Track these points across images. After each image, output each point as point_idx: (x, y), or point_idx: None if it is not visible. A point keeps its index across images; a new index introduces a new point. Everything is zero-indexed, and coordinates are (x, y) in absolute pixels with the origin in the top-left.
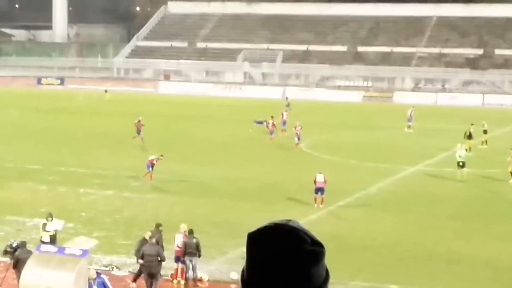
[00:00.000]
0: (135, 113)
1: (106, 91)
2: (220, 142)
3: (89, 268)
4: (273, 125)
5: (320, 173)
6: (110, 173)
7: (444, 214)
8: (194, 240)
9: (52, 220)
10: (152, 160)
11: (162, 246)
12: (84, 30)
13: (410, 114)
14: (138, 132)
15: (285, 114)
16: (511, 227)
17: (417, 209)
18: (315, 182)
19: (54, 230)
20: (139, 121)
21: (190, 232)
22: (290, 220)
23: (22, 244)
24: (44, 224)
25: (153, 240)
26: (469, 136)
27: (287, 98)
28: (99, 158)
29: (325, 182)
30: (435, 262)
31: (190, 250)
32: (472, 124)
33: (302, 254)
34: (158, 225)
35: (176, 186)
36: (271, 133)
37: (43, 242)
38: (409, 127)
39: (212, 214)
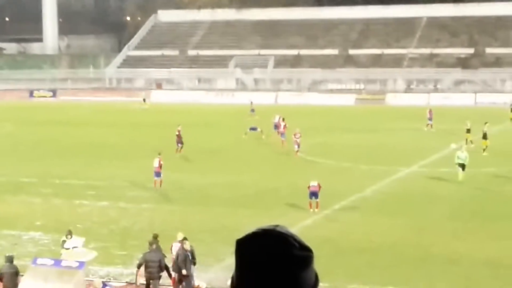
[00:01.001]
0: (128, 123)
1: (144, 100)
2: (214, 149)
3: (93, 280)
4: (285, 127)
5: (314, 181)
6: (105, 183)
7: (441, 214)
8: (189, 248)
9: (71, 237)
10: (158, 166)
11: (164, 267)
12: (75, 41)
13: (429, 113)
14: (179, 142)
15: (277, 117)
16: (509, 225)
17: (413, 210)
18: (309, 187)
19: (73, 248)
20: (179, 131)
21: (155, 237)
22: (278, 225)
23: (8, 259)
24: (63, 242)
25: (154, 246)
26: (484, 136)
27: (251, 103)
28: (93, 169)
29: (319, 187)
30: (433, 263)
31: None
32: (486, 123)
33: (291, 259)
34: (155, 236)
35: (172, 195)
36: (282, 135)
37: None
38: (429, 125)
39: (208, 221)
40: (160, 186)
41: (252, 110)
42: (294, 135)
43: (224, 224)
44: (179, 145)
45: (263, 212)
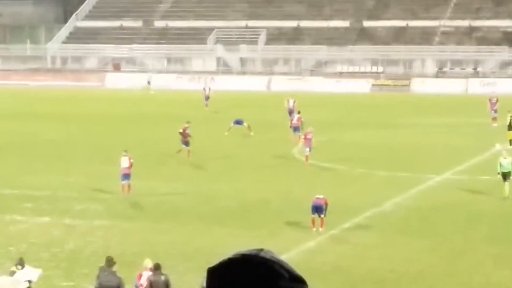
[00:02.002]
0: (77, 115)
1: (149, 83)
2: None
3: None
4: (299, 119)
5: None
6: (45, 193)
7: (481, 235)
8: (163, 278)
9: (22, 268)
10: (128, 166)
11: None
12: (7, 9)
13: (494, 103)
14: (185, 143)
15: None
16: None
17: (446, 230)
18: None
19: (28, 282)
20: (184, 129)
21: (157, 267)
22: (261, 250)
23: None
24: (12, 273)
25: (114, 269)
26: (510, 126)
27: (208, 90)
28: (30, 174)
29: (326, 203)
30: None
31: None
32: (509, 111)
33: None
34: (109, 259)
35: (132, 209)
36: (295, 129)
37: None
38: (494, 119)
39: (179, 243)
40: (129, 191)
41: (207, 99)
42: (305, 134)
43: (199, 247)
44: (185, 147)
45: (249, 231)
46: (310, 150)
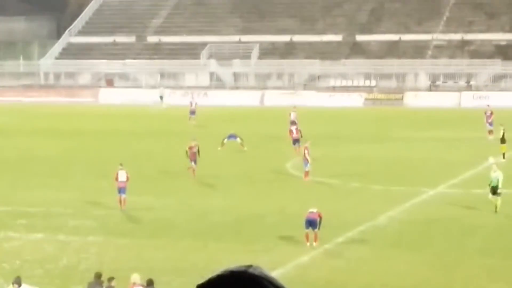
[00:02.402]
0: (70, 131)
1: (161, 97)
2: (181, 165)
3: None
4: (298, 131)
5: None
6: (39, 210)
7: (475, 248)
8: None
9: (19, 287)
10: (125, 180)
11: None
12: (0, 25)
13: (489, 116)
14: (193, 160)
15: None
16: None
17: (440, 243)
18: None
19: None
20: (191, 147)
21: (150, 283)
22: (250, 266)
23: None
24: None
25: (112, 284)
26: (503, 139)
27: (194, 104)
28: (23, 191)
29: (319, 217)
30: None
31: None
32: (501, 125)
33: None
34: (98, 275)
35: (126, 224)
36: (295, 142)
37: None
38: (490, 132)
39: (173, 259)
40: (123, 206)
41: (192, 113)
42: (305, 148)
43: (193, 262)
44: (193, 164)
45: (244, 246)
46: (308, 165)
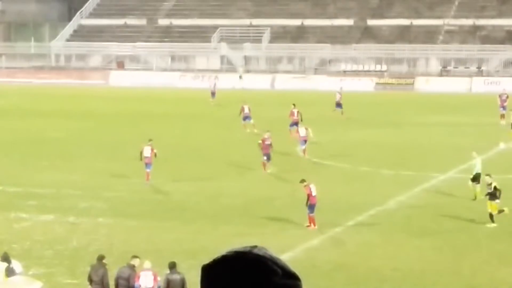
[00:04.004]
0: (81, 113)
1: (240, 77)
2: (193, 148)
3: None
4: (293, 113)
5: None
6: (49, 191)
7: (485, 233)
8: (179, 276)
9: (10, 264)
10: (150, 155)
11: (107, 284)
12: (11, 7)
13: (504, 100)
14: (266, 154)
15: (246, 107)
16: None
17: (449, 228)
18: (309, 196)
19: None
20: (264, 140)
21: (172, 266)
22: (255, 247)
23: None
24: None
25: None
26: None
27: (214, 86)
28: (33, 172)
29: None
30: None
31: None
32: (511, 110)
33: None
34: (100, 258)
35: (136, 207)
36: (293, 124)
37: None
38: (502, 116)
39: (183, 241)
40: (147, 180)
41: (213, 94)
42: (263, 140)
43: (204, 245)
44: (265, 159)
45: (254, 229)
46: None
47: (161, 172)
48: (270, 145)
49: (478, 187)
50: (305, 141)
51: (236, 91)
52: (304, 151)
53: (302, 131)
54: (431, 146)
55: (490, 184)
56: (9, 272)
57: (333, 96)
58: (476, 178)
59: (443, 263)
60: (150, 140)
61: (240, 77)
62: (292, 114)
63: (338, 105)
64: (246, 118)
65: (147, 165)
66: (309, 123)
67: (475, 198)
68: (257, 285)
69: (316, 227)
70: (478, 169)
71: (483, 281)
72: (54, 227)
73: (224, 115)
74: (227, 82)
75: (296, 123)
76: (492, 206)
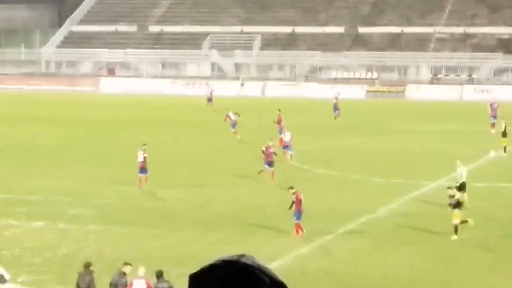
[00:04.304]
0: (71, 119)
1: (242, 85)
2: (183, 155)
3: None
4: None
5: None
6: (39, 198)
7: (475, 242)
8: (167, 285)
9: None
10: (142, 160)
11: None
12: (1, 12)
13: (495, 108)
14: (268, 162)
15: (232, 115)
16: None
17: (439, 236)
18: (296, 201)
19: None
20: (267, 148)
21: (159, 275)
22: (243, 255)
23: None
24: None
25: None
26: (504, 133)
27: (210, 92)
28: (23, 179)
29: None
30: None
31: None
32: (503, 118)
33: None
34: (87, 265)
35: (126, 214)
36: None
37: None
38: (493, 125)
39: (174, 248)
40: (146, 183)
41: (210, 100)
42: (267, 148)
43: (193, 252)
44: (267, 167)
45: (244, 236)
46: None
47: (152, 179)
48: (274, 153)
49: (465, 195)
50: (288, 146)
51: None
52: (291, 156)
53: (287, 136)
54: (421, 154)
55: (453, 196)
56: (1, 279)
57: (324, 104)
58: (462, 187)
59: (433, 271)
60: (144, 144)
61: (242, 84)
62: (279, 120)
63: (336, 109)
64: (234, 125)
65: (141, 169)
66: (299, 130)
67: (464, 207)
68: None
69: (304, 231)
70: (463, 178)
71: None
72: (43, 234)
73: (216, 122)
74: (217, 89)
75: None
76: (456, 215)
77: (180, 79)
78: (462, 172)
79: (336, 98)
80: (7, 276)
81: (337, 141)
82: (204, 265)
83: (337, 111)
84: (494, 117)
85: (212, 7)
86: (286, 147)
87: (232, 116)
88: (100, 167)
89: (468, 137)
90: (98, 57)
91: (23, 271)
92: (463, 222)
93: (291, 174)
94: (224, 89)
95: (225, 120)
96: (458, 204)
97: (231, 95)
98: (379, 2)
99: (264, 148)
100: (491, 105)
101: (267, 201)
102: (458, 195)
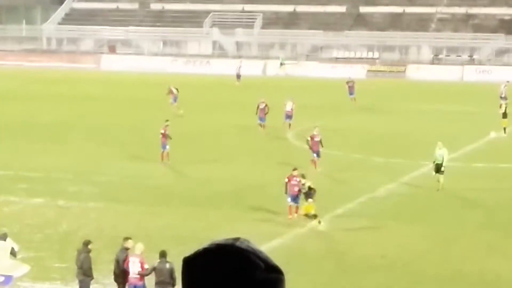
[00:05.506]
0: (72, 97)
1: (281, 64)
2: (185, 133)
3: None
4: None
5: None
6: (39, 175)
7: (474, 222)
8: (167, 266)
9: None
10: (163, 133)
11: (88, 269)
12: None
13: (503, 90)
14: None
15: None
16: None
17: (438, 217)
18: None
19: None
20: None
21: (162, 255)
22: (238, 239)
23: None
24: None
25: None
26: (504, 114)
27: (239, 69)
28: (24, 156)
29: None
30: (463, 284)
31: (162, 279)
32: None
33: (253, 284)
34: (86, 243)
35: (127, 191)
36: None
37: None
38: (502, 106)
39: (174, 226)
40: (168, 159)
41: (238, 77)
42: (312, 137)
43: (193, 230)
44: (315, 156)
45: (243, 215)
46: (317, 156)
47: (151, 157)
48: (320, 142)
49: (441, 177)
50: (290, 116)
51: (279, 78)
52: (289, 125)
53: (289, 105)
54: (421, 134)
55: (304, 184)
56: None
57: (325, 83)
58: (438, 169)
59: (432, 251)
60: (166, 120)
61: (282, 64)
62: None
63: (351, 93)
64: (175, 99)
65: (162, 145)
66: (300, 109)
67: (439, 189)
68: (240, 279)
69: (296, 215)
70: (444, 160)
71: (471, 270)
72: (44, 210)
73: (216, 101)
74: (218, 67)
75: (289, 117)
76: (307, 207)
77: (181, 57)
78: (443, 154)
79: (352, 81)
80: (16, 248)
81: (338, 121)
82: (198, 249)
83: (352, 95)
84: (505, 97)
85: None
86: (288, 117)
87: (174, 91)
88: (101, 144)
89: (468, 118)
90: (99, 35)
91: (23, 247)
92: (314, 216)
93: (293, 153)
94: (225, 67)
95: (167, 94)
96: (309, 193)
97: (231, 73)
98: None
99: (309, 138)
100: (504, 86)
101: (267, 180)
102: (308, 182)
